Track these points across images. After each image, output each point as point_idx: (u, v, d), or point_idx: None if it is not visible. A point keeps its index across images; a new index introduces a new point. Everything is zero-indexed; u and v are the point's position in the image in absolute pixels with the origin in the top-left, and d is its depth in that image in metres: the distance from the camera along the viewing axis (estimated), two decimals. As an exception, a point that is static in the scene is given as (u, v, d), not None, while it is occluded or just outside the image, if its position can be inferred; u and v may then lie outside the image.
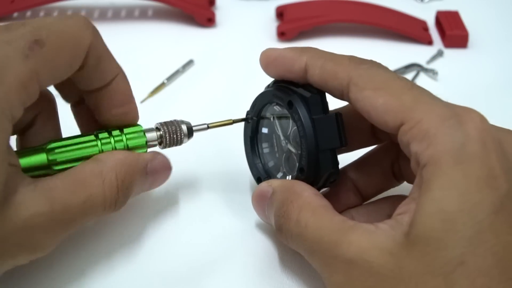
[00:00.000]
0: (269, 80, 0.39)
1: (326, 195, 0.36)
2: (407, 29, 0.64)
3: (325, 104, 0.36)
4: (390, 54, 0.62)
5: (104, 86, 0.37)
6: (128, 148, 0.37)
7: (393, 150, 0.38)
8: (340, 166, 0.37)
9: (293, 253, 0.37)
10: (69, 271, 0.38)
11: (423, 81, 0.59)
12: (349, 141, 0.36)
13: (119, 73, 0.37)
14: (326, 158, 0.36)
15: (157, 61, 0.60)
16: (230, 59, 0.61)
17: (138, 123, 0.39)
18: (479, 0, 0.71)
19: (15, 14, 0.66)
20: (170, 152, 0.40)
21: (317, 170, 0.36)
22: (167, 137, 0.39)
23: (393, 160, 0.39)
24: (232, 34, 0.65)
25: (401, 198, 0.33)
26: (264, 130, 0.42)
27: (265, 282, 0.38)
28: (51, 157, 0.35)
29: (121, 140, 0.37)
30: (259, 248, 0.40)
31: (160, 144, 0.39)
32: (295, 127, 0.37)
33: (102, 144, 0.36)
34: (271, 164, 0.42)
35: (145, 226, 0.41)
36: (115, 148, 0.37)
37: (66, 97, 0.40)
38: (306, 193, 0.35)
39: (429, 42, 0.64)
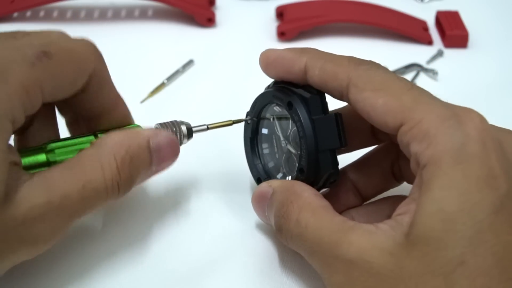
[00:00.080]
0: (269, 80, 0.39)
1: (326, 196, 0.36)
2: (407, 29, 0.64)
3: (324, 104, 0.36)
4: (390, 54, 0.62)
5: (103, 112, 0.37)
6: None
7: (393, 151, 0.38)
8: (340, 166, 0.37)
9: (293, 254, 0.37)
10: (70, 271, 0.38)
11: (423, 81, 0.59)
12: (349, 141, 0.36)
13: (119, 101, 0.38)
14: (326, 159, 0.36)
15: (157, 61, 0.60)
16: (230, 59, 0.61)
17: (138, 123, 0.39)
18: (479, 0, 0.71)
19: (15, 14, 0.66)
20: (170, 152, 0.40)
21: (317, 171, 0.36)
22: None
23: (393, 161, 0.39)
24: (232, 34, 0.65)
25: (401, 198, 0.33)
26: (264, 131, 0.42)
27: (265, 283, 0.38)
28: (51, 158, 0.35)
29: None
30: (259, 248, 0.40)
31: None
32: (295, 128, 0.37)
33: None
34: (271, 164, 0.42)
35: (145, 226, 0.41)
36: None
37: (63, 114, 0.40)
38: (306, 193, 0.35)
39: (429, 42, 0.64)
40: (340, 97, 0.35)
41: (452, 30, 0.64)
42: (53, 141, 0.36)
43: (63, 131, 0.39)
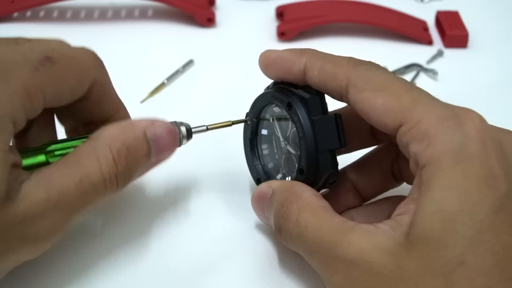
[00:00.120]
0: (269, 80, 0.39)
1: (325, 196, 0.36)
2: (407, 29, 0.64)
3: (324, 105, 0.36)
4: (390, 54, 0.62)
5: (104, 120, 0.38)
6: None
7: (393, 151, 0.38)
8: (340, 167, 0.37)
9: (292, 254, 0.37)
10: (70, 271, 0.38)
11: (423, 81, 0.59)
12: (349, 142, 0.36)
13: (120, 108, 0.39)
14: (325, 159, 0.36)
15: (157, 61, 0.60)
16: (230, 59, 0.61)
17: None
18: (479, 0, 0.71)
19: (15, 14, 0.66)
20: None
21: (316, 171, 0.36)
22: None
23: (393, 161, 0.39)
24: (232, 34, 0.65)
25: (400, 198, 0.33)
26: (264, 132, 0.42)
27: (264, 283, 0.38)
28: (50, 159, 0.35)
29: None
30: (259, 249, 0.40)
31: None
32: (295, 129, 0.37)
33: None
34: (270, 165, 0.42)
35: (145, 226, 0.41)
36: None
37: (63, 124, 0.40)
38: (306, 194, 0.35)
39: (429, 42, 0.64)
40: (339, 98, 0.35)
41: (452, 30, 0.64)
42: (52, 142, 0.36)
43: (61, 135, 0.39)
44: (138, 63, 0.59)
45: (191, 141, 0.40)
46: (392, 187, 0.40)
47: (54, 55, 0.33)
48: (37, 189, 0.31)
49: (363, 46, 0.63)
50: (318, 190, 0.37)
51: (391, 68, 0.59)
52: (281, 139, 0.40)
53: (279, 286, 0.37)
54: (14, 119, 0.31)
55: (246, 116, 0.42)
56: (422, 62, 0.61)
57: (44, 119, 0.38)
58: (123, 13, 0.68)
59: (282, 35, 0.63)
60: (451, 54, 0.62)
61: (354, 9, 0.66)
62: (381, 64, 0.35)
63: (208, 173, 0.46)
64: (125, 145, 0.34)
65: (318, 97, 0.36)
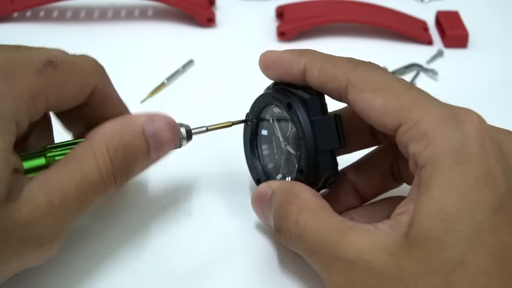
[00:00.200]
0: (269, 80, 0.39)
1: (325, 197, 0.36)
2: (407, 29, 0.64)
3: (324, 106, 0.36)
4: (390, 54, 0.62)
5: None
6: None
7: (392, 152, 0.38)
8: (339, 167, 0.37)
9: (292, 254, 0.37)
10: (69, 271, 0.38)
11: (423, 81, 0.59)
12: (348, 142, 0.36)
13: (123, 113, 0.39)
14: (325, 159, 0.36)
15: (157, 61, 0.60)
16: (230, 59, 0.61)
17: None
18: (479, 0, 0.71)
19: (15, 14, 0.66)
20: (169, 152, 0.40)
21: (316, 171, 0.36)
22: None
23: (392, 162, 0.39)
24: (232, 34, 0.65)
25: (400, 199, 0.33)
26: (264, 132, 0.42)
27: (264, 283, 0.38)
28: (49, 159, 0.35)
29: None
30: (258, 249, 0.40)
31: None
32: (295, 129, 0.37)
33: None
34: (270, 166, 0.42)
35: (145, 226, 0.41)
36: None
37: (68, 129, 0.41)
38: (306, 194, 0.35)
39: (429, 42, 0.64)
40: (339, 98, 0.35)
41: (452, 30, 0.64)
42: (51, 146, 0.36)
43: (60, 138, 0.39)
44: (138, 63, 0.59)
45: (191, 142, 0.40)
46: (392, 188, 0.40)
47: (57, 60, 0.34)
48: (38, 193, 0.31)
49: (363, 46, 0.63)
50: (318, 191, 0.37)
51: (391, 68, 0.59)
52: (281, 139, 0.40)
53: (279, 286, 0.38)
54: (18, 120, 0.31)
55: (246, 117, 0.42)
56: (422, 62, 0.61)
57: (43, 127, 0.38)
58: (123, 13, 0.68)
59: (282, 35, 0.63)
60: (451, 54, 0.62)
61: (354, 9, 0.66)
62: (381, 64, 0.35)
63: (208, 173, 0.46)
64: (121, 143, 0.34)
65: (318, 97, 0.36)
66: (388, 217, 0.32)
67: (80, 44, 0.36)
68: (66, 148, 0.36)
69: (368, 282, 0.30)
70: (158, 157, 0.37)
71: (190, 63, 0.59)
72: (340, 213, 0.38)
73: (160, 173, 0.40)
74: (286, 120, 0.39)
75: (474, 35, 0.64)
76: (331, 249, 0.31)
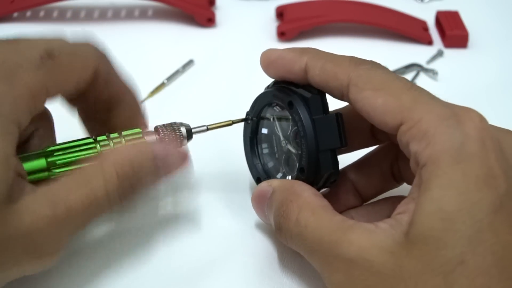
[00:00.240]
0: (269, 80, 0.39)
1: (326, 196, 0.36)
2: (407, 29, 0.64)
3: (325, 104, 0.36)
4: (390, 54, 0.62)
5: (112, 106, 0.38)
6: None
7: (393, 151, 0.38)
8: (340, 167, 0.37)
9: (292, 254, 0.37)
10: (69, 270, 0.38)
11: (423, 81, 0.59)
12: (349, 141, 0.36)
13: (127, 94, 0.39)
14: (326, 158, 0.36)
15: (157, 61, 0.60)
16: (230, 59, 0.61)
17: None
18: (479, 0, 0.71)
19: (15, 14, 0.66)
20: (170, 152, 0.40)
21: (317, 170, 0.36)
22: (167, 140, 0.39)
23: (393, 162, 0.39)
24: (232, 34, 0.65)
25: (400, 199, 0.33)
26: (264, 131, 0.42)
27: (264, 283, 0.38)
28: (50, 160, 0.35)
29: (120, 143, 0.37)
30: (258, 249, 0.40)
31: None
32: (295, 128, 0.37)
33: (101, 146, 0.36)
34: (270, 164, 0.42)
35: (145, 226, 0.41)
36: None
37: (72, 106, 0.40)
38: (306, 193, 0.35)
39: (429, 42, 0.64)
40: (340, 97, 0.35)
41: (452, 30, 0.64)
42: (52, 147, 0.36)
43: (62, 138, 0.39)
44: (138, 63, 0.59)
45: (191, 141, 0.40)
46: (392, 188, 0.40)
47: (54, 49, 0.33)
48: (43, 204, 0.31)
49: (363, 46, 0.63)
50: (319, 190, 0.37)
51: (391, 68, 0.58)
52: (282, 138, 0.40)
53: (279, 286, 0.37)
54: (19, 120, 0.31)
55: (246, 115, 0.42)
56: (422, 62, 0.61)
57: (44, 132, 0.38)
58: (123, 13, 0.68)
59: (282, 35, 0.63)
60: (451, 54, 0.62)
61: (354, 9, 0.66)
62: (382, 64, 0.35)
63: (208, 172, 0.46)
64: (132, 167, 0.35)
65: (319, 96, 0.36)
66: (388, 216, 0.32)
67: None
68: (67, 149, 0.36)
69: (368, 281, 0.30)
70: (165, 177, 0.38)
71: (190, 63, 0.59)
72: (340, 212, 0.38)
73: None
74: (286, 118, 0.39)
75: (474, 35, 0.64)
76: (331, 248, 0.31)
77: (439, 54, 0.62)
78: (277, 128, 0.40)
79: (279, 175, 0.41)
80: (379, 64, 0.35)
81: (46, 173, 0.35)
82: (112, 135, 0.37)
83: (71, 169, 0.35)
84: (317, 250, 0.32)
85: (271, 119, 0.41)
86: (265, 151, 0.42)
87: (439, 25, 0.66)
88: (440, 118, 0.30)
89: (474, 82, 0.58)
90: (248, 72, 0.57)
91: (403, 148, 0.32)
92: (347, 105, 0.38)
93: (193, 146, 0.41)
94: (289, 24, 0.64)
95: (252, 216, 0.40)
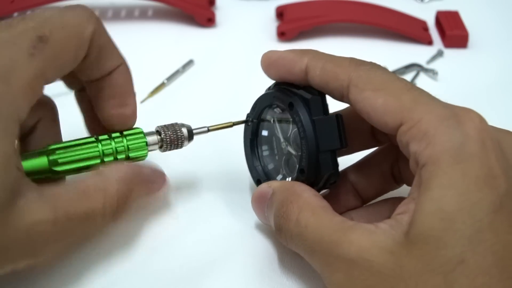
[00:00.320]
0: (269, 80, 0.39)
1: (326, 197, 0.36)
2: (407, 29, 0.64)
3: (325, 105, 0.36)
4: (390, 54, 0.62)
5: (104, 77, 0.37)
6: (128, 150, 0.37)
7: (393, 153, 0.38)
8: (340, 168, 0.37)
9: (292, 254, 0.37)
10: (68, 270, 0.38)
11: (423, 81, 0.59)
12: (349, 143, 0.36)
13: (121, 64, 0.38)
14: (326, 159, 0.36)
15: (157, 61, 0.60)
16: (230, 59, 0.61)
17: (138, 125, 0.39)
18: (479, 0, 0.71)
19: (15, 14, 0.66)
20: (170, 152, 0.40)
21: (317, 171, 0.36)
22: (168, 141, 0.39)
23: (393, 163, 0.39)
24: (232, 34, 0.65)
25: (401, 199, 0.33)
26: (264, 133, 0.42)
27: (264, 283, 0.38)
28: (52, 158, 0.35)
29: (121, 142, 0.37)
30: (258, 249, 0.40)
31: (160, 147, 0.39)
32: (295, 129, 0.37)
33: (102, 145, 0.36)
34: (270, 166, 0.42)
35: (145, 226, 0.41)
36: (116, 150, 0.37)
37: (69, 86, 0.40)
38: (306, 194, 0.35)
39: (429, 42, 0.64)
40: (340, 98, 0.35)
41: (452, 30, 0.64)
42: (54, 145, 0.36)
43: (65, 138, 0.39)
44: (138, 63, 0.59)
45: (192, 142, 0.40)
46: (392, 189, 0.40)
47: (46, 31, 0.32)
48: (45, 207, 0.31)
49: (363, 46, 0.63)
50: (319, 191, 0.37)
51: (391, 68, 0.59)
52: (282, 140, 0.40)
53: (278, 286, 0.37)
54: (19, 118, 0.31)
55: (247, 117, 0.42)
56: (422, 62, 0.61)
57: (48, 122, 0.38)
58: (123, 13, 0.68)
59: (282, 35, 0.63)
60: (451, 54, 0.63)
61: (354, 9, 0.66)
62: (381, 64, 0.35)
63: (208, 172, 0.46)
64: (130, 190, 0.36)
65: (320, 97, 0.36)
66: (388, 217, 0.32)
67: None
68: (69, 147, 0.36)
69: (368, 281, 0.30)
70: (143, 198, 0.39)
71: (190, 63, 0.59)
72: (341, 213, 0.38)
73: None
74: (287, 120, 0.39)
75: (474, 35, 0.64)
76: (331, 248, 0.31)
77: (439, 54, 0.62)
78: (277, 130, 0.40)
79: (279, 176, 0.41)
80: (379, 65, 0.35)
81: (48, 172, 0.35)
82: (113, 135, 0.37)
83: (74, 177, 0.35)
84: (317, 251, 0.32)
85: (272, 121, 0.41)
86: (265, 153, 0.42)
87: (439, 25, 0.66)
88: (440, 119, 0.30)
89: (474, 82, 0.58)
90: (248, 72, 0.57)
91: (402, 148, 0.32)
92: (348, 107, 0.38)
93: (194, 146, 0.41)
94: (289, 24, 0.64)
95: (252, 216, 0.40)
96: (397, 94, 0.32)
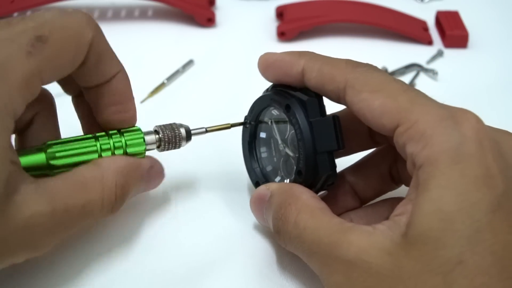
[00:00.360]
0: (268, 81, 0.39)
1: (324, 199, 0.36)
2: (407, 29, 0.64)
3: (322, 107, 0.36)
4: (390, 54, 0.62)
5: (103, 84, 0.37)
6: (126, 146, 0.37)
7: (391, 154, 0.38)
8: (338, 169, 0.37)
9: (292, 255, 0.36)
10: (68, 270, 0.38)
11: (423, 81, 0.59)
12: (347, 144, 0.36)
13: (120, 71, 0.38)
14: (323, 161, 0.36)
15: (157, 61, 0.60)
16: (230, 59, 0.61)
17: (138, 124, 0.39)
18: (479, 0, 0.71)
19: (15, 14, 0.66)
20: (169, 152, 0.40)
21: (315, 173, 0.36)
22: (166, 140, 0.39)
23: (391, 163, 0.39)
24: (232, 34, 0.65)
25: (399, 200, 0.33)
26: (262, 135, 0.42)
27: (264, 283, 0.38)
28: (50, 151, 0.35)
29: (120, 142, 0.37)
30: (258, 250, 0.40)
31: (158, 147, 0.39)
32: (293, 131, 0.37)
33: (100, 141, 0.36)
34: (269, 168, 0.42)
35: (144, 226, 0.41)
36: (114, 146, 0.37)
37: (67, 91, 0.40)
38: (304, 195, 0.35)
39: (429, 42, 0.64)
40: (337, 100, 0.35)
41: (452, 30, 0.64)
42: (52, 141, 0.36)
43: (63, 133, 0.39)
44: (138, 63, 0.59)
45: (190, 142, 0.40)
46: (391, 190, 0.40)
47: (45, 32, 0.32)
48: (42, 200, 0.31)
49: (363, 46, 0.63)
50: (317, 192, 0.37)
51: (391, 68, 0.59)
52: (280, 141, 0.40)
53: (278, 287, 0.37)
54: (14, 112, 0.31)
55: (245, 119, 0.42)
56: (422, 62, 0.61)
57: (46, 116, 0.38)
58: (123, 13, 0.68)
59: (282, 35, 0.63)
60: (451, 54, 0.62)
61: (354, 9, 0.66)
62: (381, 64, 0.35)
63: (207, 172, 0.46)
64: (127, 181, 0.36)
65: (316, 99, 0.36)
66: (387, 218, 0.32)
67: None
68: (67, 144, 0.36)
69: (367, 282, 0.30)
70: (141, 192, 0.40)
71: (190, 63, 0.59)
72: (339, 214, 0.38)
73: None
74: (284, 122, 0.39)
75: (474, 35, 0.64)
76: (330, 250, 0.31)
77: (439, 54, 0.62)
78: (275, 131, 0.40)
79: (278, 178, 0.41)
80: (375, 67, 0.35)
81: (46, 168, 0.35)
82: (111, 132, 0.37)
83: (72, 170, 0.35)
84: (316, 252, 0.32)
85: (269, 123, 0.41)
86: (264, 155, 0.42)
87: (439, 25, 0.66)
88: (437, 119, 0.30)
89: (474, 82, 0.58)
90: (248, 72, 0.57)
91: (400, 149, 0.32)
92: (345, 109, 0.38)
93: (193, 146, 0.41)
94: (289, 24, 0.64)
95: (252, 217, 0.40)
96: (393, 96, 0.32)
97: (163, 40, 0.64)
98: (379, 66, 0.40)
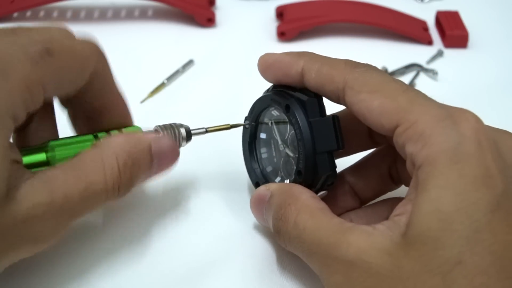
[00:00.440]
0: (268, 82, 0.39)
1: (324, 199, 0.36)
2: (407, 29, 0.64)
3: (322, 107, 0.36)
4: (390, 54, 0.62)
5: (103, 111, 0.38)
6: None
7: (391, 154, 0.38)
8: (338, 169, 0.37)
9: (292, 255, 0.36)
10: (69, 271, 0.38)
11: (423, 81, 0.59)
12: (347, 145, 0.36)
13: (120, 101, 0.38)
14: (323, 161, 0.36)
15: (157, 61, 0.60)
16: (230, 59, 0.61)
17: (137, 124, 0.39)
18: (479, 0, 0.71)
19: (15, 14, 0.66)
20: (169, 153, 0.40)
21: (314, 173, 0.36)
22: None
23: (391, 164, 0.39)
24: (232, 34, 0.65)
25: (399, 200, 0.33)
26: (262, 135, 0.42)
27: (264, 284, 0.38)
28: (51, 157, 0.35)
29: None
30: (258, 250, 0.40)
31: None
32: (293, 131, 0.37)
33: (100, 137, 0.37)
34: (269, 169, 0.42)
35: (144, 227, 0.41)
36: None
37: (64, 105, 0.40)
38: (304, 196, 0.35)
39: (429, 42, 0.64)
40: (336, 100, 0.35)
41: (452, 30, 0.64)
42: (53, 140, 0.36)
43: (63, 132, 0.39)
44: (138, 63, 0.59)
45: (190, 142, 0.40)
46: (391, 190, 0.40)
47: (53, 46, 0.33)
48: (40, 191, 0.31)
49: (363, 46, 0.63)
50: (316, 192, 0.37)
51: (391, 68, 0.59)
52: (280, 142, 0.40)
53: (278, 287, 0.37)
54: (14, 114, 0.31)
55: (245, 120, 0.42)
56: (422, 62, 0.61)
57: (45, 115, 0.38)
58: (123, 13, 0.68)
59: (282, 35, 0.63)
60: (451, 54, 0.62)
61: (354, 9, 0.66)
62: (381, 64, 0.35)
63: (207, 172, 0.46)
64: (131, 158, 0.35)
65: (316, 99, 0.36)
66: (387, 218, 0.32)
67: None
68: (68, 144, 0.36)
69: (367, 282, 0.30)
70: (157, 173, 0.38)
71: (190, 63, 0.59)
72: (339, 215, 0.38)
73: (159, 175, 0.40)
74: (284, 122, 0.39)
75: (474, 35, 0.64)
76: (330, 250, 0.31)
77: (439, 54, 0.62)
78: (275, 132, 0.40)
79: (278, 179, 0.41)
80: (375, 67, 0.35)
81: (46, 164, 0.35)
82: (112, 132, 0.37)
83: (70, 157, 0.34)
84: (316, 252, 0.32)
85: (269, 124, 0.41)
86: (264, 155, 0.42)
87: (439, 25, 0.66)
88: (436, 119, 0.30)
89: (474, 82, 0.58)
90: (248, 72, 0.57)
91: (399, 149, 0.32)
92: (344, 109, 0.38)
93: (193, 147, 0.41)
94: (289, 24, 0.64)
95: (251, 217, 0.40)
96: (393, 96, 0.32)
97: (163, 40, 0.64)
98: (379, 66, 0.40)
